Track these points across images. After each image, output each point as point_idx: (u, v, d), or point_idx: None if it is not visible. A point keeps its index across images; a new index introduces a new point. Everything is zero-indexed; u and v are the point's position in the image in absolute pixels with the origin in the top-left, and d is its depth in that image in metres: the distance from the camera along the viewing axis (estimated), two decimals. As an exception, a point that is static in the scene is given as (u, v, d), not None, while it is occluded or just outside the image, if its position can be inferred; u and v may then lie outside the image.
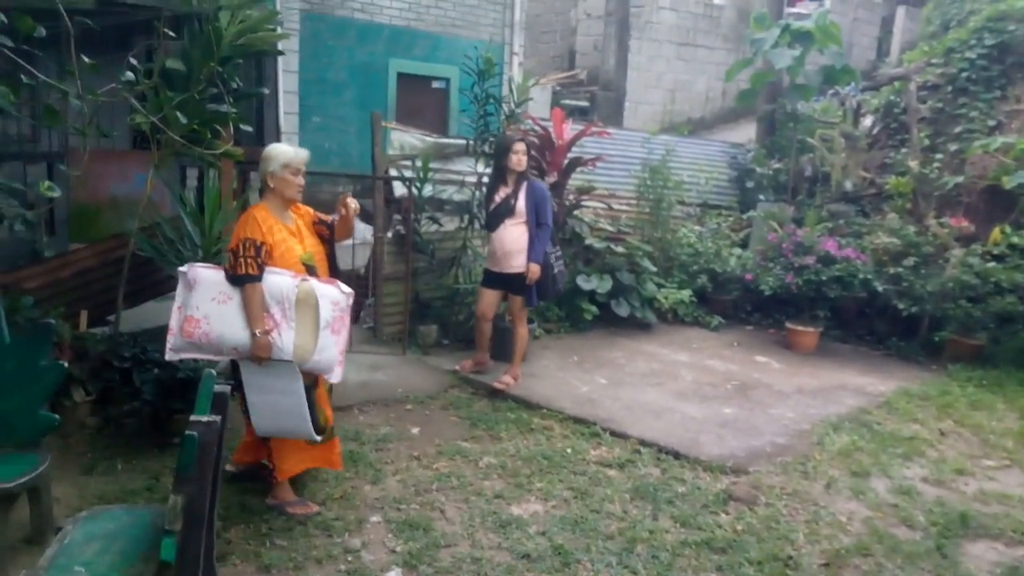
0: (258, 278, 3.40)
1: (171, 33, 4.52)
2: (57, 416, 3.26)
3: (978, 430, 5.28)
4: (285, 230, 3.62)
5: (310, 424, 3.47)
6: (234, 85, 4.72)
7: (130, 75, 4.33)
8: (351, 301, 3.61)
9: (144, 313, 5.28)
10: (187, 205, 4.94)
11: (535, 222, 5.44)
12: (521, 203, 5.44)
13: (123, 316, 4.74)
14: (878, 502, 4.14)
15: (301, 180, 3.68)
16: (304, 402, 3.45)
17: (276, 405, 3.47)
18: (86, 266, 4.99)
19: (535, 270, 5.42)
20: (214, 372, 2.69)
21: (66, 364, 3.37)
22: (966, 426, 5.34)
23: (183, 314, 3.42)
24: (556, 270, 5.63)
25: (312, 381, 3.58)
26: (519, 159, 5.41)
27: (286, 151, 3.66)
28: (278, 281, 3.44)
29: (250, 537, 3.46)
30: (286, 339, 3.40)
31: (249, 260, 3.39)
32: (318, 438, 3.56)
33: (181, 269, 3.50)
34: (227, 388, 2.68)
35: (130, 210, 4.84)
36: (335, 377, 3.56)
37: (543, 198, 5.48)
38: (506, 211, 5.46)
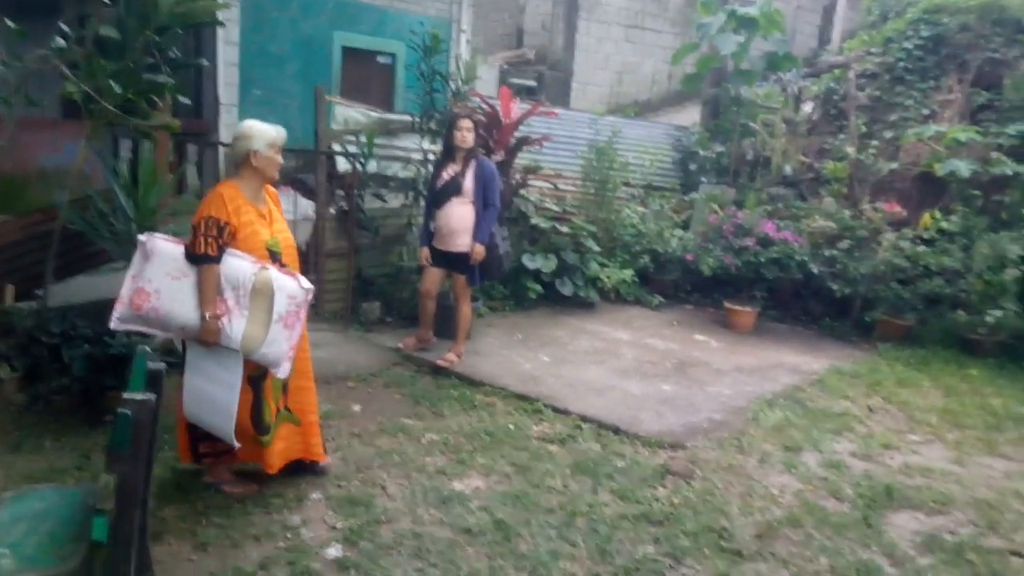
0: (216, 259, 3.28)
1: (105, 0, 4.35)
2: (-19, 393, 3.15)
3: (905, 407, 5.49)
4: (254, 212, 3.47)
5: (232, 424, 3.35)
6: (171, 55, 4.58)
7: (61, 42, 4.17)
8: (310, 296, 3.50)
9: (74, 288, 5.11)
10: (120, 177, 4.78)
11: (482, 202, 5.41)
12: (469, 182, 5.39)
13: (52, 291, 4.59)
14: (809, 476, 4.28)
15: (281, 159, 3.56)
16: (235, 400, 3.33)
17: (210, 394, 3.36)
18: (12, 239, 4.81)
19: (480, 251, 5.41)
20: (148, 349, 2.63)
21: (-9, 340, 3.26)
22: (893, 403, 5.55)
23: (135, 285, 3.29)
24: (502, 250, 5.63)
25: (261, 372, 3.48)
26: (463, 136, 5.35)
27: (268, 129, 3.49)
28: (237, 265, 3.32)
29: (185, 515, 3.41)
30: (236, 327, 3.29)
31: (210, 240, 3.27)
32: (236, 444, 3.42)
33: (140, 238, 3.35)
34: (162, 365, 2.61)
35: (60, 182, 4.67)
36: (282, 372, 3.44)
37: (491, 177, 5.44)
38: (453, 189, 5.42)
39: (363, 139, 6.60)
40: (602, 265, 7.88)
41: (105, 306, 4.91)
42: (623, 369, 5.86)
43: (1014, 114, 7.80)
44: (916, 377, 6.14)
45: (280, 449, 3.67)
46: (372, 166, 6.59)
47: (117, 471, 2.23)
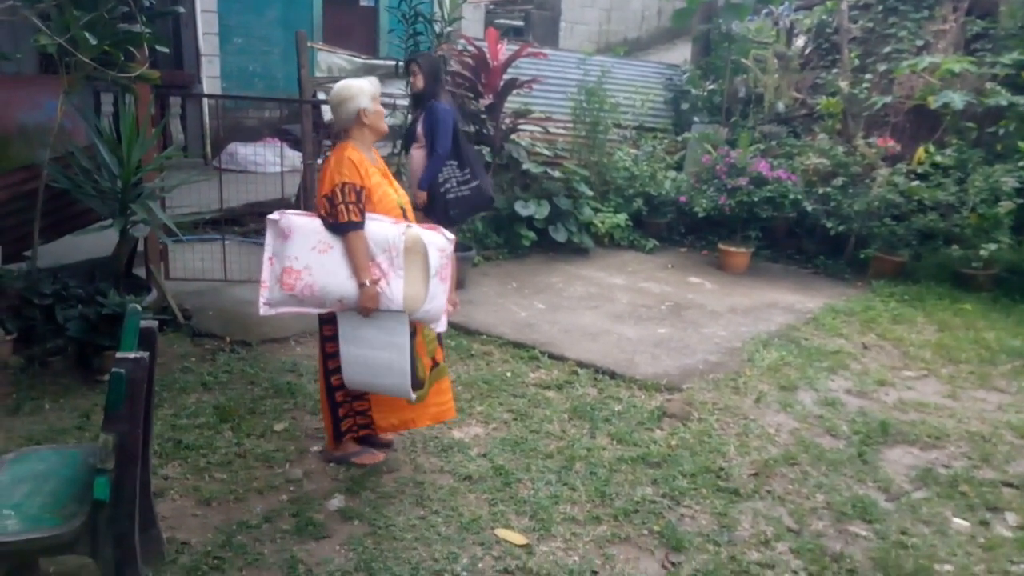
0: (361, 225, 3.18)
1: (73, -54, 4.19)
2: (-25, 357, 3.12)
3: (899, 343, 5.52)
4: (378, 172, 3.41)
5: (408, 381, 3.29)
6: (147, 3, 4.44)
7: (30, -9, 4.03)
8: (453, 248, 3.48)
9: (63, 247, 5.06)
10: (102, 133, 4.68)
11: (430, 147, 5.34)
12: (420, 127, 5.34)
13: (40, 251, 4.53)
14: (804, 414, 4.32)
15: (382, 107, 3.47)
16: (407, 357, 3.27)
17: (374, 360, 3.28)
18: (-4, 200, 4.72)
19: (419, 196, 5.32)
20: (139, 307, 2.60)
21: (-20, 303, 3.22)
22: (888, 339, 5.58)
23: (280, 265, 3.19)
24: (452, 195, 5.42)
25: (412, 330, 3.36)
26: (412, 81, 5.33)
27: (364, 83, 3.37)
28: (380, 228, 3.24)
29: (188, 472, 3.43)
30: (395, 288, 3.21)
31: (351, 206, 3.17)
32: (414, 397, 3.37)
33: (272, 217, 3.24)
34: (155, 323, 2.59)
35: (41, 140, 4.56)
36: (441, 326, 3.43)
37: (436, 122, 5.26)
38: (411, 136, 5.44)
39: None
40: (595, 210, 7.83)
41: (95, 264, 4.90)
42: (618, 314, 5.87)
43: (1009, 43, 7.66)
44: (910, 313, 6.17)
45: (433, 413, 3.61)
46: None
47: (115, 430, 2.23)
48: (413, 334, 3.40)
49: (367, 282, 3.17)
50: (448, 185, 5.41)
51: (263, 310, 3.25)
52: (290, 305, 3.24)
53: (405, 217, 3.45)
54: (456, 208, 5.49)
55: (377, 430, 3.59)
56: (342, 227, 3.18)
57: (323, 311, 3.31)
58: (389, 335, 3.25)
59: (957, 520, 3.37)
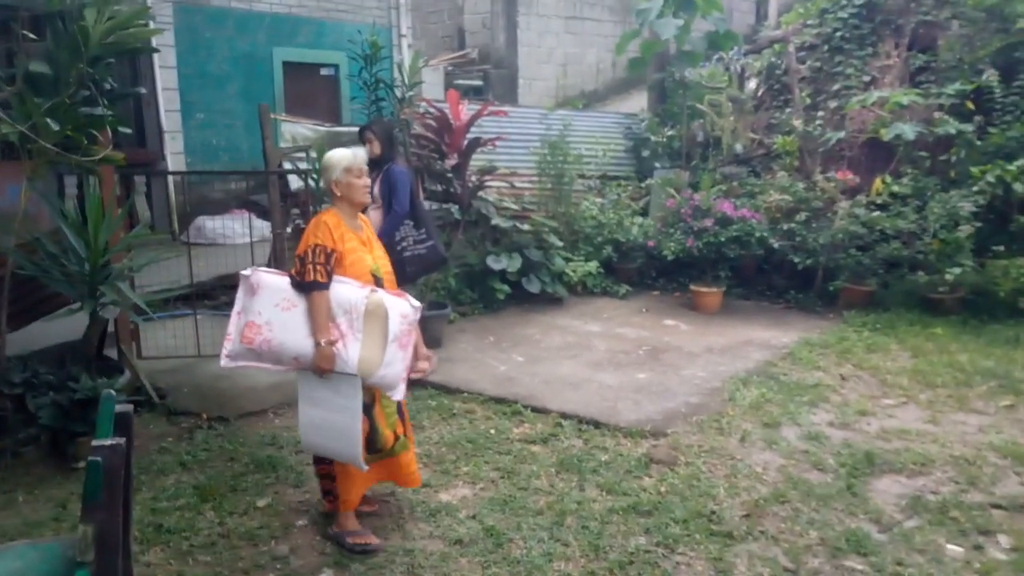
0: (325, 286, 3.23)
1: (31, 35, 4.22)
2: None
3: (875, 372, 5.57)
4: (356, 239, 3.45)
5: (359, 449, 3.27)
6: (107, 86, 4.46)
7: (-11, 81, 4.04)
8: (419, 316, 3.46)
9: (31, 333, 4.96)
10: (68, 217, 4.64)
11: (388, 207, 5.40)
12: (377, 189, 5.40)
13: (9, 339, 4.45)
14: (790, 450, 4.32)
15: (366, 181, 3.50)
16: (357, 423, 3.26)
17: (329, 422, 3.29)
18: (-40, 290, 4.63)
19: None
20: (114, 392, 2.55)
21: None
22: (864, 369, 5.64)
23: (244, 319, 3.23)
24: (409, 253, 5.49)
25: (370, 399, 3.37)
26: (368, 148, 5.36)
27: (343, 155, 3.46)
28: (346, 291, 3.27)
29: (171, 557, 3.33)
30: (351, 351, 3.22)
31: (318, 267, 3.23)
32: (365, 467, 3.34)
33: (244, 273, 3.30)
34: (130, 407, 2.54)
35: (5, 226, 4.52)
36: (398, 395, 3.39)
37: (394, 183, 5.36)
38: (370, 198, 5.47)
39: (312, 154, 6.51)
40: (567, 259, 7.89)
41: (66, 349, 4.80)
42: (597, 361, 5.87)
43: (951, 74, 7.97)
44: (884, 341, 6.25)
45: (401, 476, 3.66)
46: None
47: (94, 521, 2.16)
48: (373, 403, 3.38)
49: (323, 342, 3.18)
50: (405, 244, 5.47)
51: (223, 362, 3.28)
52: (248, 359, 3.26)
53: (379, 285, 3.44)
54: (413, 266, 5.54)
55: (343, 506, 3.47)
56: (306, 286, 3.23)
57: (280, 368, 3.32)
58: (343, 398, 3.27)
59: (951, 547, 3.37)
